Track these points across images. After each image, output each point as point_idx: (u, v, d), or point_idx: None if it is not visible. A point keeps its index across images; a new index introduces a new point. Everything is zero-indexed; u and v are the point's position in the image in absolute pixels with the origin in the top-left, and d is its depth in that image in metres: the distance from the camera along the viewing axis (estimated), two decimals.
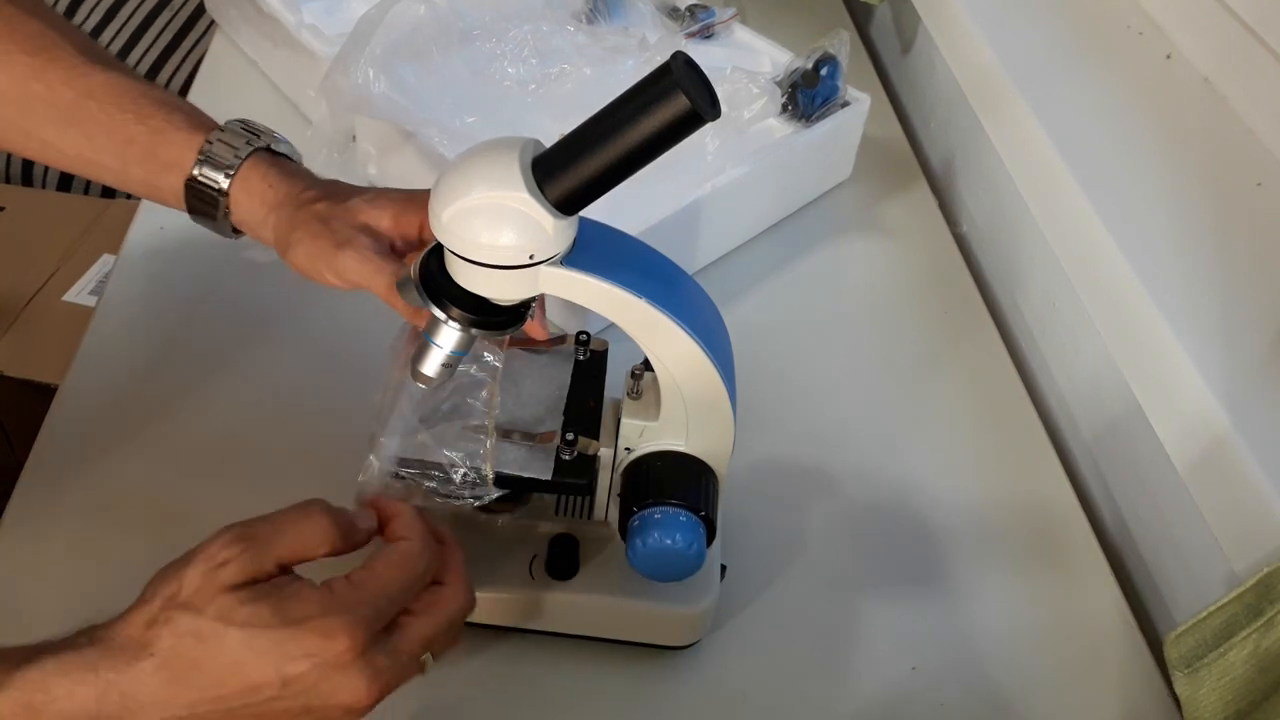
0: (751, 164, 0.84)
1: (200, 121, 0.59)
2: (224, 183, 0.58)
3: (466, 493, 0.54)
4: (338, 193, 0.59)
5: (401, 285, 0.51)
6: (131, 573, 0.63)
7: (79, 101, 0.57)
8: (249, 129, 0.60)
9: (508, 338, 0.57)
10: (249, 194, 0.58)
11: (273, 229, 0.58)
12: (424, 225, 0.57)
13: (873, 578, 0.67)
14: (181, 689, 0.43)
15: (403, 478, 0.54)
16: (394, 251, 0.57)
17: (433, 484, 0.54)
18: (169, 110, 0.59)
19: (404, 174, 0.87)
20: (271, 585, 0.45)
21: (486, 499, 0.54)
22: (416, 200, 0.58)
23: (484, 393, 0.57)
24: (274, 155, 0.60)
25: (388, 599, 0.46)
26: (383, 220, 0.57)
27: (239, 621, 0.43)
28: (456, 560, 0.51)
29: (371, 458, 0.54)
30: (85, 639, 0.44)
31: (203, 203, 0.59)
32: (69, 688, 0.42)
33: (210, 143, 0.58)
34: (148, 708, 0.43)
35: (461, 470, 0.54)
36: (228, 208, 0.59)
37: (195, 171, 0.58)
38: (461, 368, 0.55)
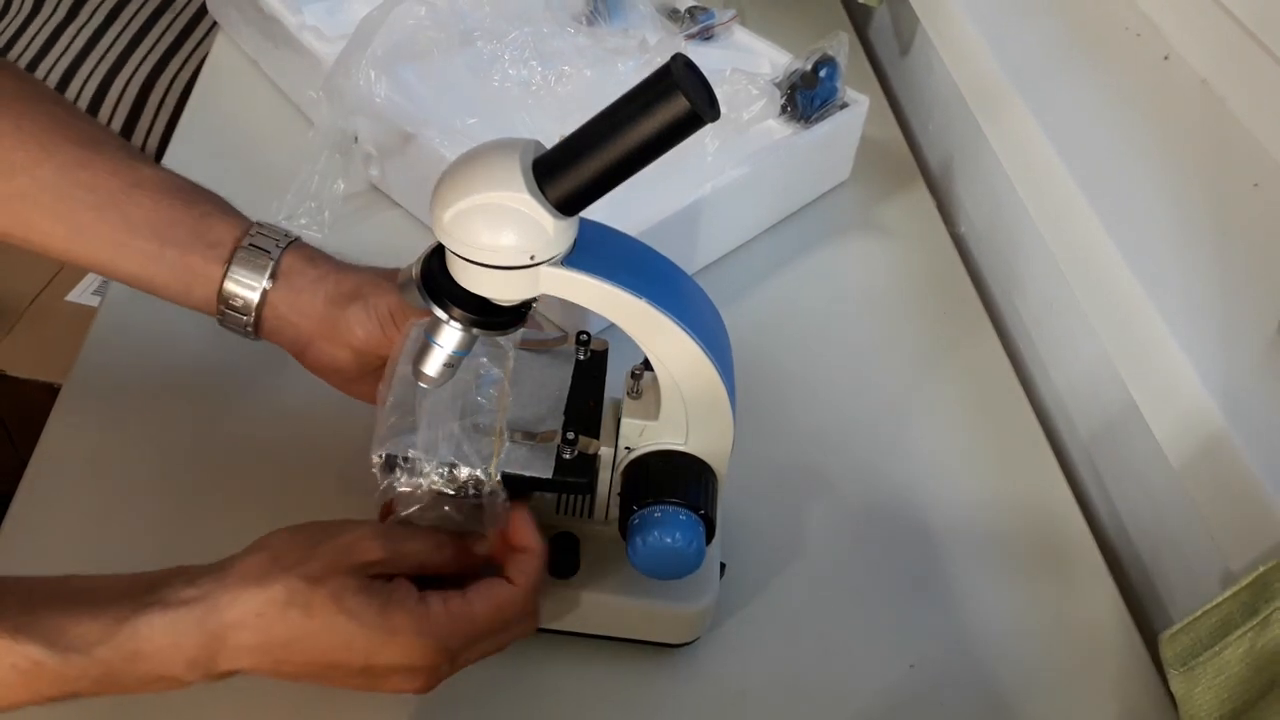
0: (751, 165, 0.84)
1: (244, 216, 0.61)
2: (276, 249, 0.59)
3: (470, 491, 0.54)
4: (377, 279, 0.61)
5: (403, 285, 0.51)
6: (134, 571, 0.63)
7: (125, 190, 0.58)
8: (281, 228, 0.62)
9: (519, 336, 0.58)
10: (302, 259, 0.60)
11: (330, 285, 0.59)
12: None
13: (872, 577, 0.67)
14: (274, 649, 0.47)
15: (403, 470, 0.54)
16: None
17: (437, 482, 0.54)
18: (219, 201, 0.61)
19: (405, 175, 0.87)
20: (387, 586, 0.50)
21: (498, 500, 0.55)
22: None
23: (492, 391, 0.57)
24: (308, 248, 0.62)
25: (472, 638, 0.51)
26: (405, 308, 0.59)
27: (346, 609, 0.47)
28: (540, 580, 0.54)
29: (376, 456, 0.55)
30: (189, 591, 0.47)
31: (241, 288, 0.59)
32: (175, 639, 0.46)
33: (260, 224, 0.60)
34: (241, 660, 0.47)
35: (466, 470, 0.54)
36: (266, 298, 0.59)
37: (246, 240, 0.59)
38: (469, 361, 0.55)
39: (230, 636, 0.47)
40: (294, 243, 0.61)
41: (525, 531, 0.54)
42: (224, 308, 0.60)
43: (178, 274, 0.60)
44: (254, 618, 0.47)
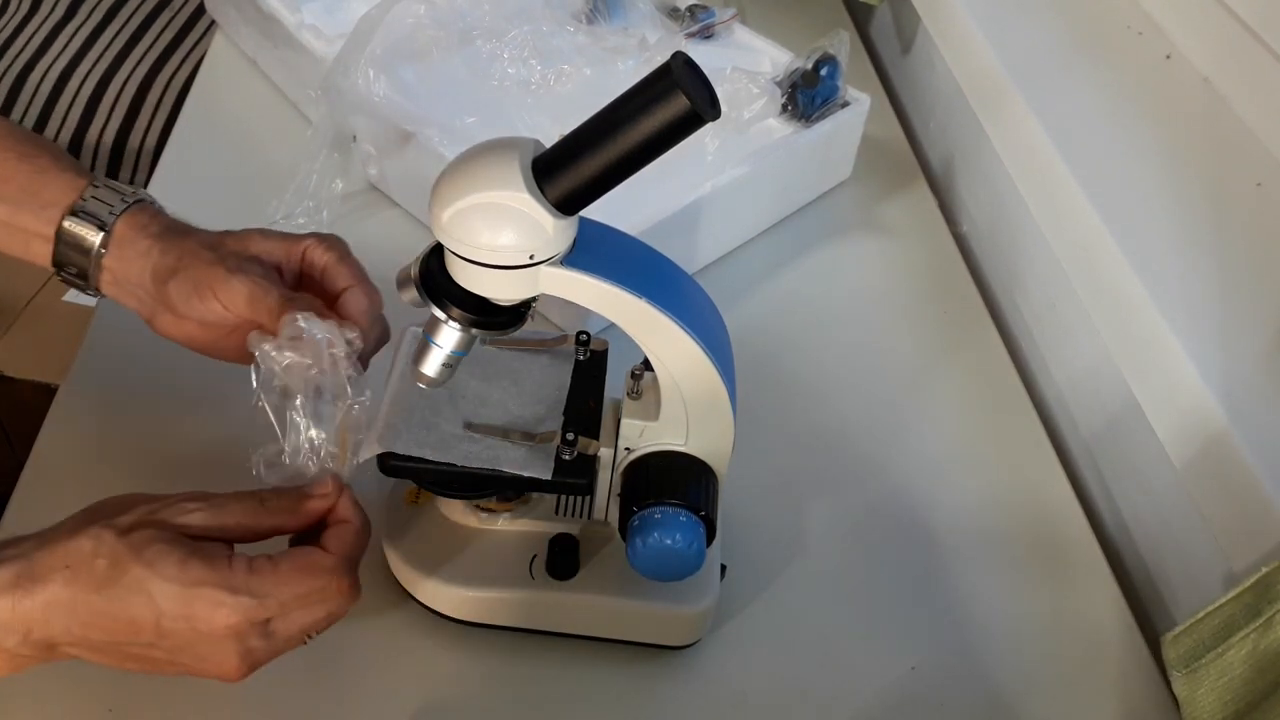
0: (751, 164, 0.84)
1: (88, 174, 0.59)
2: (114, 212, 0.56)
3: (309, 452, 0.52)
4: (231, 234, 0.58)
5: (401, 285, 0.51)
6: None
7: None
8: (129, 187, 0.59)
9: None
10: (134, 228, 0.57)
11: (154, 259, 0.56)
12: (310, 257, 0.58)
13: (872, 578, 0.67)
14: (81, 607, 0.45)
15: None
16: (280, 280, 0.57)
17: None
18: (59, 154, 0.58)
19: (404, 174, 0.87)
20: (195, 541, 0.47)
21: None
22: (304, 237, 0.58)
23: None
24: (153, 208, 0.59)
25: (279, 602, 0.47)
26: (275, 251, 0.57)
27: (144, 560, 0.45)
28: (356, 553, 0.51)
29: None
30: (10, 550, 0.45)
31: (73, 248, 0.57)
32: None
33: (96, 185, 0.58)
34: (55, 622, 0.45)
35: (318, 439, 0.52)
36: (101, 261, 0.57)
37: (86, 196, 0.56)
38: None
39: (40, 593, 0.44)
40: (132, 206, 0.57)
41: (347, 505, 0.51)
42: (60, 272, 0.58)
43: (11, 233, 0.58)
44: (62, 570, 0.45)
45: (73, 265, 0.58)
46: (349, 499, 0.51)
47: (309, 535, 0.51)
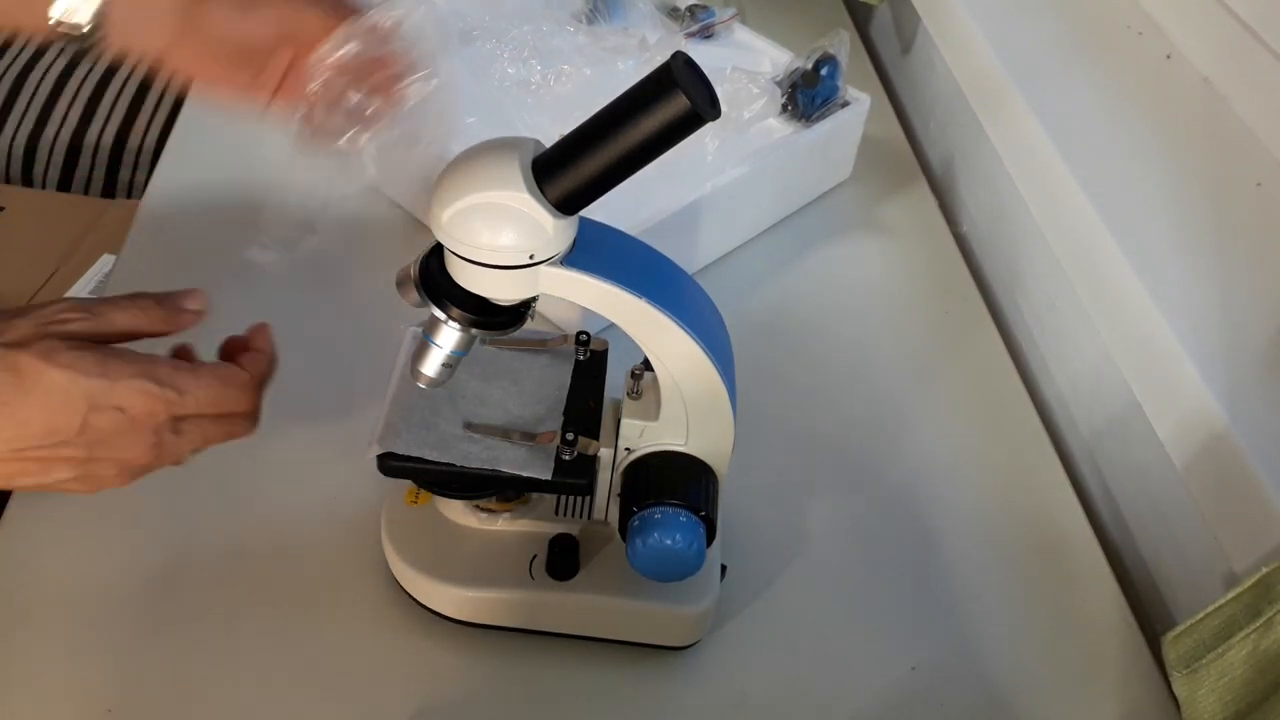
0: (751, 164, 0.84)
1: None
2: None
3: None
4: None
5: (401, 285, 0.51)
6: (132, 570, 0.63)
7: None
8: None
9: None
10: None
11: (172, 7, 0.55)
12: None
13: (872, 578, 0.67)
14: None
15: None
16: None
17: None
18: None
19: (403, 174, 0.87)
20: (101, 345, 0.47)
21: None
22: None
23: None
24: None
25: (196, 400, 0.48)
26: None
27: (61, 363, 0.45)
28: (266, 378, 0.53)
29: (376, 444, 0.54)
30: None
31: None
32: None
33: None
34: None
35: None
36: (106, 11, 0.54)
37: None
38: None
39: None
40: None
41: (265, 337, 0.54)
42: (58, 24, 0.56)
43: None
44: None
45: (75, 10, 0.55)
46: (268, 333, 0.54)
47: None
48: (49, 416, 0.45)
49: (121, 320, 0.49)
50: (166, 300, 0.51)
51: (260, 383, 0.52)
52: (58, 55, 1.30)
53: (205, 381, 0.49)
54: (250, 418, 0.52)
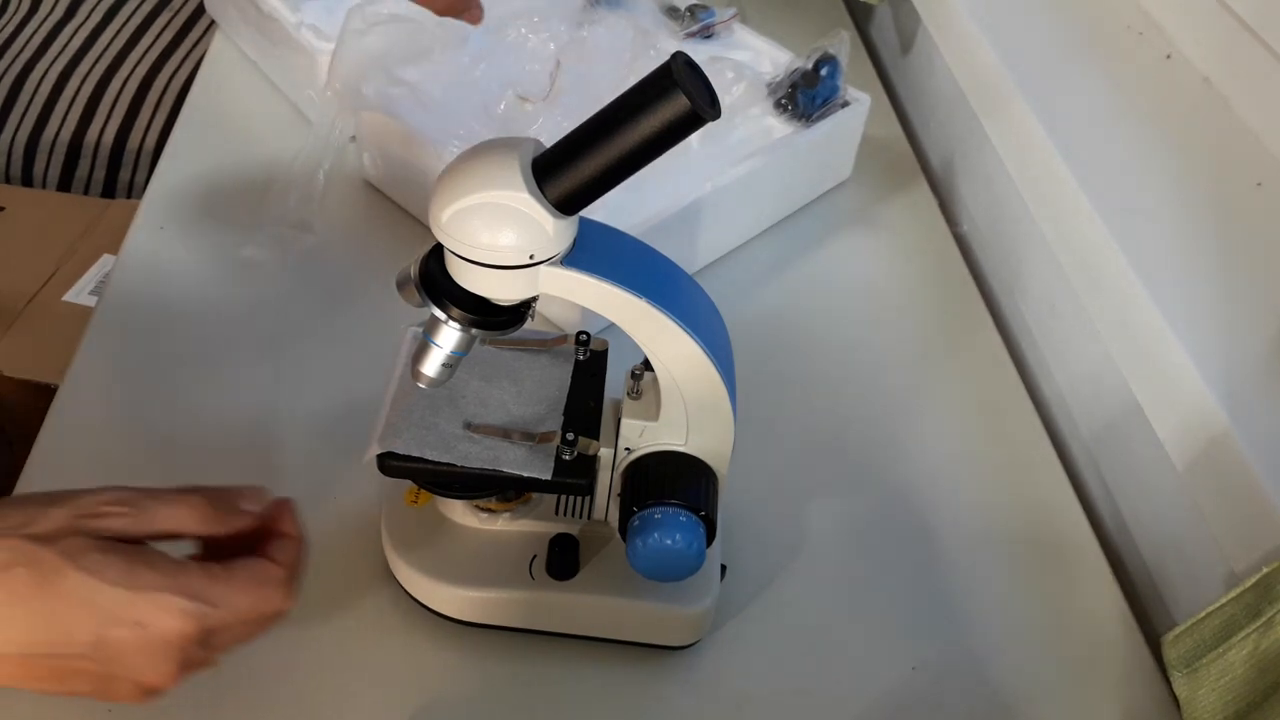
0: (752, 164, 0.84)
1: None
2: None
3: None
4: None
5: (401, 284, 0.51)
6: None
7: None
8: None
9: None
10: None
11: None
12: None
13: (873, 578, 0.67)
14: None
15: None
16: None
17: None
18: None
19: (403, 173, 0.87)
20: (134, 546, 0.44)
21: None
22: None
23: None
24: None
25: (232, 611, 0.45)
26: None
27: (84, 566, 0.42)
28: (301, 569, 0.49)
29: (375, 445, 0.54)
30: None
31: None
32: None
33: None
34: None
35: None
36: None
37: None
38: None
39: None
40: None
41: (292, 520, 0.49)
42: None
43: None
44: None
45: None
46: (294, 512, 0.50)
47: (242, 547, 0.48)
48: (61, 623, 0.41)
49: (166, 518, 0.46)
50: (220, 499, 0.48)
51: (295, 574, 0.48)
52: (58, 55, 1.30)
53: (239, 587, 0.45)
54: (282, 615, 0.48)
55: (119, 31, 1.33)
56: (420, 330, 0.52)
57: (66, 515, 0.43)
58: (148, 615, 0.42)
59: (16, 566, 0.41)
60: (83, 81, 1.28)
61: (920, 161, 1.03)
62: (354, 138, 0.88)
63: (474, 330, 0.51)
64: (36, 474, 0.67)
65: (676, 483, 0.55)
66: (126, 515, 0.44)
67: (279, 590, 0.47)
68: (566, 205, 0.46)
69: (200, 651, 0.45)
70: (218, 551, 0.47)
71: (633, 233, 0.53)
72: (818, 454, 0.74)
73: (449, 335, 0.51)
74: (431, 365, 0.52)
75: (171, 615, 0.43)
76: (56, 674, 0.43)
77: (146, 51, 1.31)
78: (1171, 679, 0.54)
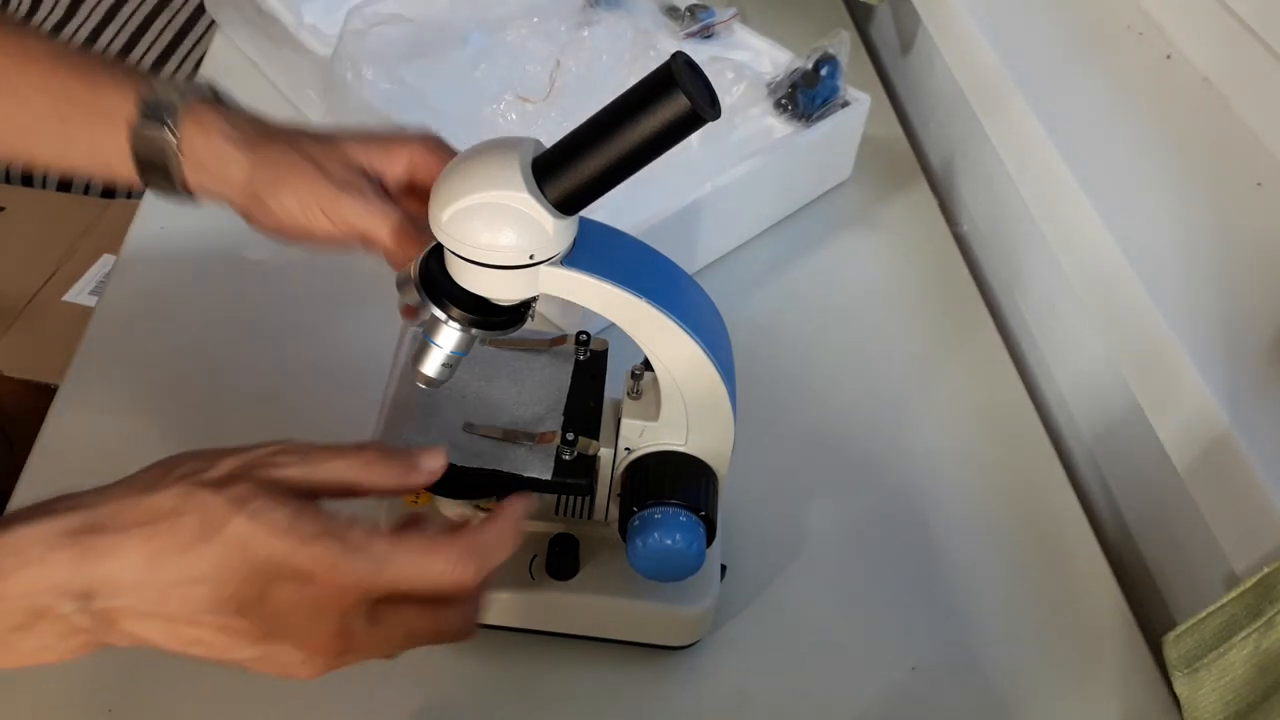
0: (752, 164, 0.84)
1: (142, 72, 0.55)
2: (172, 121, 0.52)
3: None
4: (321, 134, 0.54)
5: (401, 284, 0.51)
6: None
7: (16, 68, 0.53)
8: (191, 81, 0.55)
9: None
10: (206, 132, 0.53)
11: (246, 170, 0.52)
12: (413, 165, 0.54)
13: (873, 578, 0.67)
14: (160, 570, 0.39)
15: None
16: (388, 195, 0.54)
17: None
18: (108, 64, 0.55)
19: None
20: (302, 500, 0.42)
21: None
22: (404, 141, 0.54)
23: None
24: (222, 101, 0.55)
25: (397, 574, 0.42)
26: (376, 162, 0.53)
27: (249, 513, 0.40)
28: (490, 556, 0.45)
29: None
30: (66, 503, 0.40)
31: (151, 151, 0.53)
32: (41, 552, 0.38)
33: (153, 85, 0.53)
34: (124, 587, 0.39)
35: None
36: (180, 153, 0.53)
37: (140, 114, 0.53)
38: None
39: (109, 552, 0.39)
40: (191, 105, 0.53)
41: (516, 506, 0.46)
42: (148, 185, 0.55)
43: (89, 153, 0.54)
44: (137, 529, 0.39)
45: (153, 179, 0.54)
46: (518, 515, 0.45)
47: None
48: (226, 573, 0.39)
49: (339, 468, 0.43)
50: (398, 455, 0.45)
51: (477, 553, 0.43)
52: None
53: (409, 549, 0.42)
54: (469, 608, 0.45)
55: (119, 31, 1.33)
56: (420, 330, 0.52)
57: (237, 463, 0.42)
58: (308, 567, 0.40)
59: (186, 514, 0.40)
60: None
61: (920, 161, 1.03)
62: None
63: (474, 330, 0.51)
64: (37, 474, 0.67)
65: (676, 483, 0.55)
66: (298, 464, 0.42)
67: (455, 566, 0.43)
68: (566, 205, 0.46)
69: (362, 624, 0.42)
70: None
71: (633, 233, 0.53)
72: (818, 454, 0.74)
73: (449, 335, 0.51)
74: (432, 365, 0.52)
75: (333, 568, 0.40)
76: (216, 635, 0.40)
77: (147, 51, 1.31)
78: (1172, 679, 0.54)
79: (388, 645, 0.43)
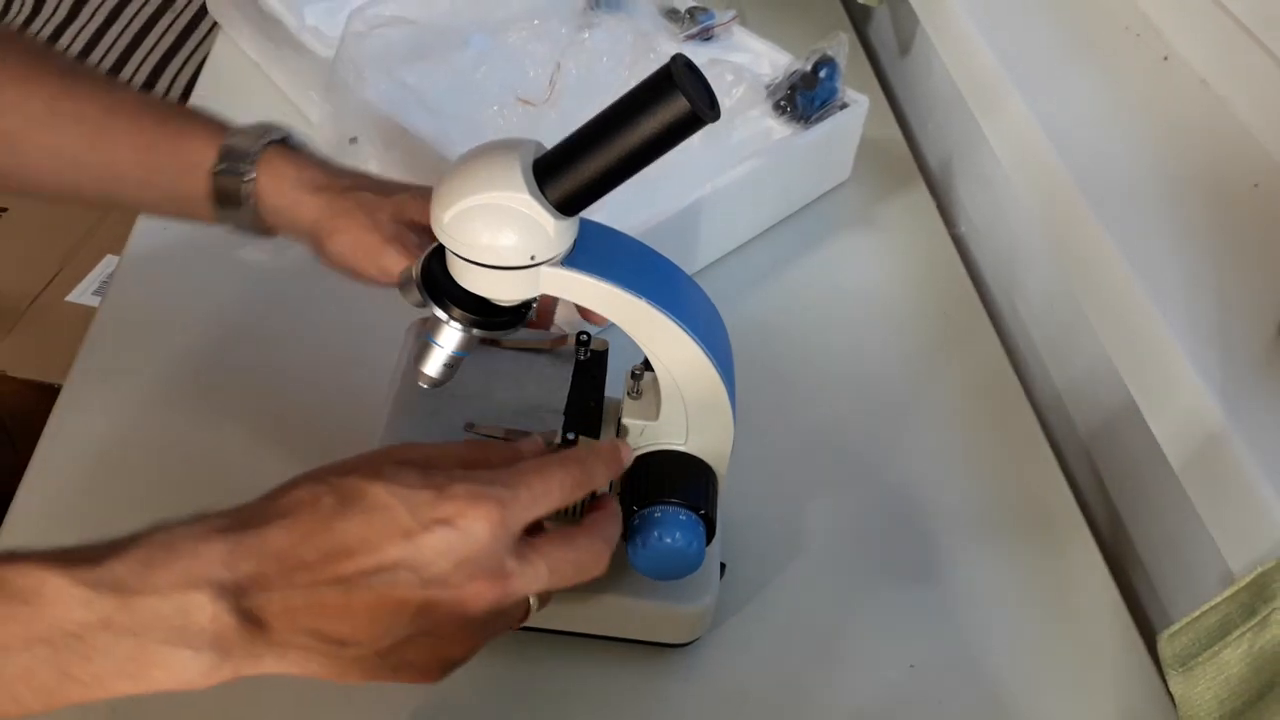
0: (751, 165, 0.84)
1: (220, 121, 0.61)
2: (249, 169, 0.58)
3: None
4: (381, 185, 0.60)
5: (403, 285, 0.51)
6: None
7: (105, 117, 0.58)
8: (265, 125, 0.61)
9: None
10: (276, 178, 0.58)
11: (313, 213, 0.58)
12: None
13: (872, 577, 0.67)
14: (307, 547, 0.41)
15: None
16: None
17: None
18: (189, 115, 0.61)
19: (405, 175, 0.87)
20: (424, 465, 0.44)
21: None
22: None
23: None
24: (293, 147, 0.61)
25: (531, 493, 0.44)
26: (427, 216, 0.57)
27: (384, 477, 0.42)
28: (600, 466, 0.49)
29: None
30: (213, 512, 0.42)
31: (228, 197, 0.58)
32: (193, 545, 0.40)
33: (231, 135, 0.59)
34: (275, 573, 0.40)
35: None
36: (255, 196, 0.58)
37: (219, 164, 0.58)
38: None
39: (258, 544, 0.40)
40: (265, 155, 0.59)
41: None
42: (223, 223, 0.60)
43: (171, 197, 0.60)
44: (279, 519, 0.41)
45: (228, 221, 0.60)
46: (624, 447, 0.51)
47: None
48: (371, 538, 0.41)
49: (458, 451, 0.47)
50: (504, 447, 0.50)
51: (600, 467, 0.49)
52: None
53: (540, 465, 0.45)
54: (608, 527, 0.49)
55: (121, 33, 1.33)
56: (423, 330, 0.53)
57: (363, 459, 0.45)
58: (451, 510, 0.42)
59: (326, 495, 0.42)
60: None
61: (919, 162, 1.03)
62: (355, 140, 0.88)
63: (475, 330, 0.51)
64: (40, 474, 0.67)
65: (676, 482, 0.55)
66: (420, 450, 0.46)
67: (578, 474, 0.46)
68: (567, 206, 0.46)
69: (517, 567, 0.43)
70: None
71: (633, 233, 0.53)
72: (817, 454, 0.75)
73: (450, 335, 0.51)
74: (433, 365, 0.52)
75: (477, 504, 0.42)
76: (374, 608, 0.41)
77: (149, 53, 1.32)
78: (1167, 677, 0.54)
79: (534, 588, 0.44)
